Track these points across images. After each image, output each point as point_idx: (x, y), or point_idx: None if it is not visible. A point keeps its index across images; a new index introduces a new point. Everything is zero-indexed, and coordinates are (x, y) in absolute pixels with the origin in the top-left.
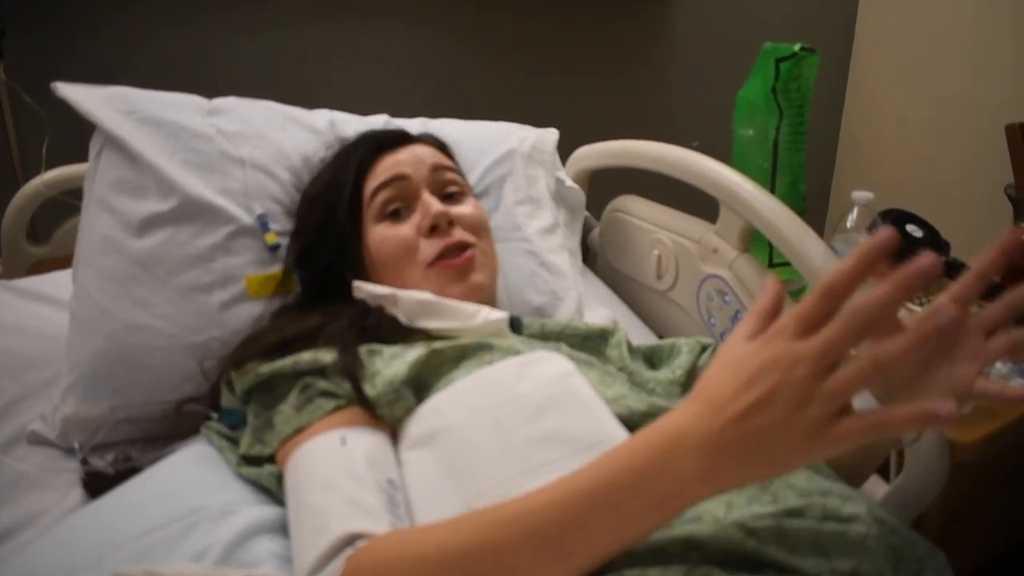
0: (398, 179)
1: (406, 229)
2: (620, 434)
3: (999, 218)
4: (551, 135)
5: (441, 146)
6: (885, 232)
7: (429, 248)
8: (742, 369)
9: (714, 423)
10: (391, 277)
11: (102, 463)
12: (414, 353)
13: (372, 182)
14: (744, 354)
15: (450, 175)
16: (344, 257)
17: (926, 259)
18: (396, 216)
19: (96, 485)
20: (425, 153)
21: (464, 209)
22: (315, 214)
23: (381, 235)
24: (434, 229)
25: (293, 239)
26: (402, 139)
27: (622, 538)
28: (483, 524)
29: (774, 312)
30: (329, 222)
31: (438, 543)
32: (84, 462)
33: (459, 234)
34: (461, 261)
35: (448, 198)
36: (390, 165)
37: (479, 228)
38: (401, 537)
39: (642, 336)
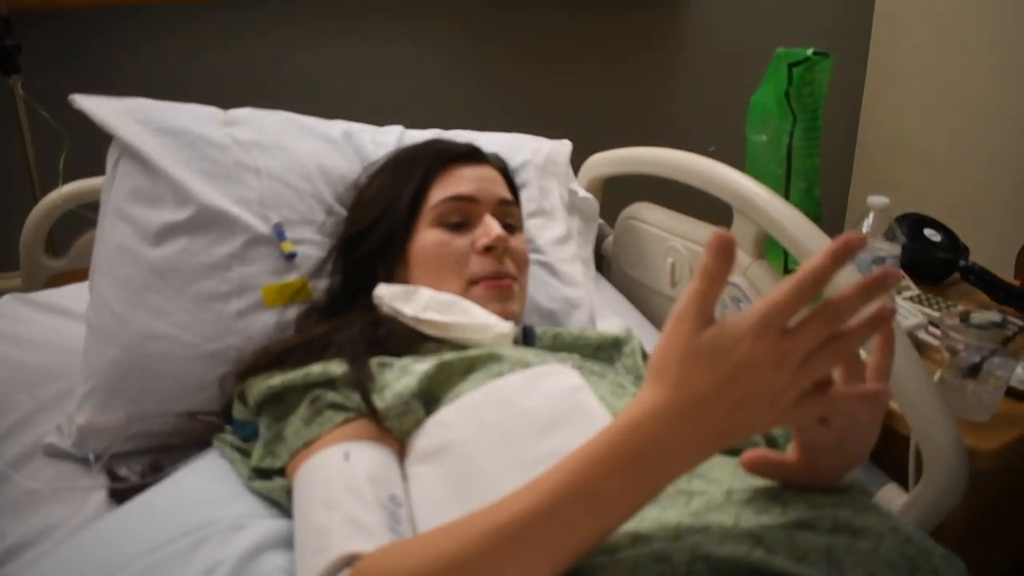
0: (468, 199)
1: (461, 241)
2: None
3: (1018, 221)
4: (564, 147)
5: (505, 171)
6: (854, 233)
7: (478, 266)
8: (724, 363)
9: (698, 419)
10: (427, 281)
11: (128, 472)
12: (424, 365)
13: (439, 191)
14: (722, 346)
15: (513, 210)
16: (387, 250)
17: (891, 272)
18: (456, 228)
19: (124, 495)
20: (495, 181)
21: (516, 243)
22: (374, 207)
23: (435, 239)
24: (489, 250)
25: (345, 224)
26: (472, 155)
27: (609, 528)
28: (471, 536)
29: (726, 269)
30: (386, 215)
31: (430, 556)
32: (111, 473)
33: (508, 265)
34: (504, 284)
35: (506, 227)
36: (461, 180)
37: (522, 263)
38: (393, 551)
39: None
